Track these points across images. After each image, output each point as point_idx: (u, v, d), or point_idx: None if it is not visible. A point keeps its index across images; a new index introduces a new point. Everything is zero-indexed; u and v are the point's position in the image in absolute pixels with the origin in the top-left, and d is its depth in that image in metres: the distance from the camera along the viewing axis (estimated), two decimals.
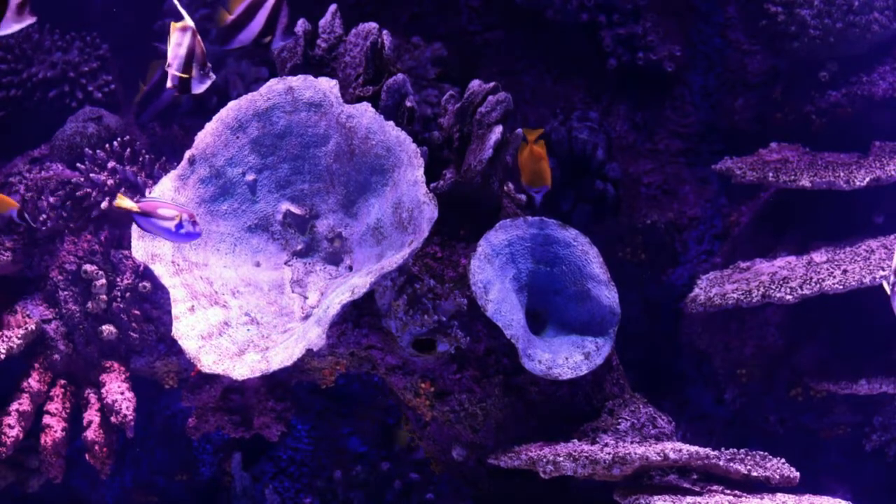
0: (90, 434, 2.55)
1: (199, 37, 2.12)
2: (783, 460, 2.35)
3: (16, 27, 1.97)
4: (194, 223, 2.18)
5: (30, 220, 2.55)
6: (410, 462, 2.79)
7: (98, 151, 2.67)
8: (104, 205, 2.61)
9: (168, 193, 2.38)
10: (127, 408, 2.54)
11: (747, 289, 2.61)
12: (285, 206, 2.43)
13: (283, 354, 2.19)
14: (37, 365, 2.63)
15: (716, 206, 3.14)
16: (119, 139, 2.70)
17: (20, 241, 2.65)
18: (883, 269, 2.47)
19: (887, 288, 2.13)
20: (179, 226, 2.16)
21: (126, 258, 2.60)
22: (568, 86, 3.19)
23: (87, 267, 2.59)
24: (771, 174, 2.76)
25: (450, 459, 2.49)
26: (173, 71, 2.11)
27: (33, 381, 2.60)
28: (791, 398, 2.87)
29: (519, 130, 2.47)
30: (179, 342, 2.26)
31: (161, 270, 2.32)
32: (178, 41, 2.10)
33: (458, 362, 2.40)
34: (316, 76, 2.42)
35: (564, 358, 2.38)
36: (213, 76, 2.16)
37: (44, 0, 2.98)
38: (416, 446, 2.83)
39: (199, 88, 2.15)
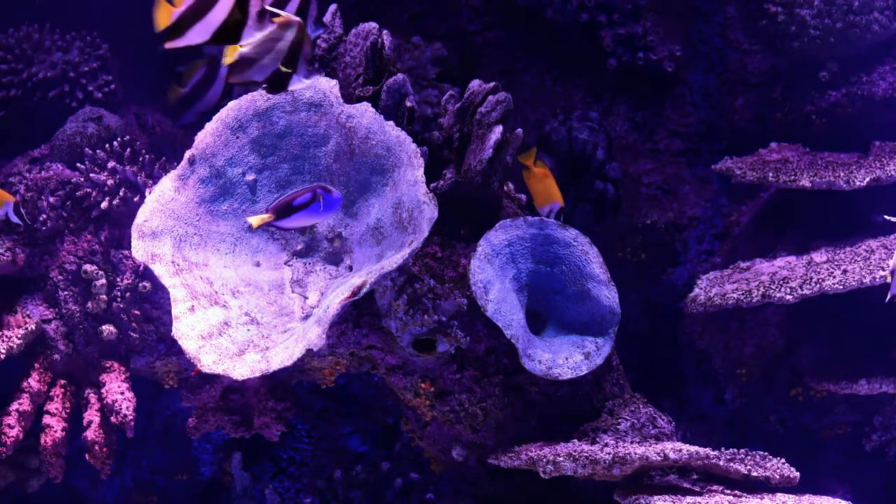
0: (90, 434, 2.55)
1: (306, 32, 1.99)
2: (783, 460, 2.35)
3: (258, 35, 1.92)
4: (328, 191, 2.11)
5: (25, 217, 2.55)
6: (410, 462, 2.79)
7: (98, 151, 2.67)
8: (104, 205, 2.61)
9: (168, 193, 2.38)
10: (127, 408, 2.54)
11: (747, 289, 2.61)
12: None
13: (283, 354, 2.19)
14: (37, 365, 2.63)
15: (716, 205, 3.14)
16: (119, 139, 2.70)
17: (21, 241, 2.65)
18: (883, 269, 2.47)
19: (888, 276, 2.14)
20: (318, 205, 2.12)
21: (126, 258, 2.60)
22: (568, 85, 3.19)
23: (87, 267, 2.59)
24: (771, 174, 2.76)
25: (450, 459, 2.49)
26: (279, 66, 1.97)
27: (33, 381, 2.60)
28: (791, 398, 2.87)
29: (519, 130, 2.47)
30: (179, 342, 2.26)
31: (161, 270, 2.32)
32: (277, 36, 1.96)
33: (458, 362, 2.40)
34: None
35: (564, 358, 2.38)
36: (321, 72, 2.07)
37: (44, 0, 2.99)
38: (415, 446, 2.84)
39: (299, 84, 2.03)
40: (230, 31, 1.87)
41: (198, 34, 1.86)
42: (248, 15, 1.85)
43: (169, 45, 1.87)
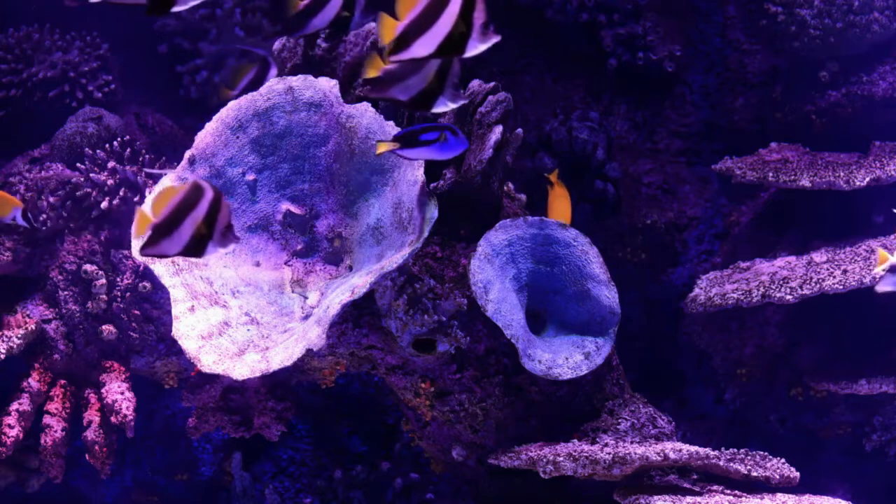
0: (90, 434, 2.55)
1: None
2: (783, 460, 2.35)
3: (482, 47, 1.89)
4: (454, 133, 2.07)
5: (33, 221, 2.55)
6: (410, 462, 2.79)
7: (98, 151, 2.67)
8: (104, 205, 2.61)
9: None
10: (127, 408, 2.54)
11: (747, 289, 2.61)
12: (285, 205, 2.43)
13: (283, 354, 2.19)
14: (37, 365, 2.63)
15: (716, 205, 3.14)
16: (119, 139, 2.70)
17: (21, 241, 2.65)
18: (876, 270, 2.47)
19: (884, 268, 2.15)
20: (441, 144, 2.07)
21: (126, 258, 2.60)
22: (568, 85, 3.19)
23: (87, 267, 2.59)
24: (771, 174, 2.76)
25: (450, 459, 2.49)
26: (425, 86, 1.91)
27: (33, 381, 2.60)
28: (791, 398, 2.87)
29: (519, 130, 2.47)
30: (179, 342, 2.26)
31: (161, 270, 2.32)
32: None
33: (458, 362, 2.40)
34: (316, 76, 2.42)
35: (564, 358, 2.38)
36: (465, 98, 2.00)
37: (44, 0, 2.99)
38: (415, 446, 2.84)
39: (443, 107, 1.97)
40: (455, 44, 1.82)
41: (422, 47, 1.82)
42: (472, 27, 1.83)
43: (393, 58, 1.83)
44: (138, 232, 1.92)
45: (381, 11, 1.82)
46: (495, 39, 1.83)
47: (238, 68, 2.67)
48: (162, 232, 1.89)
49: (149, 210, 1.89)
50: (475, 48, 1.83)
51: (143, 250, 1.91)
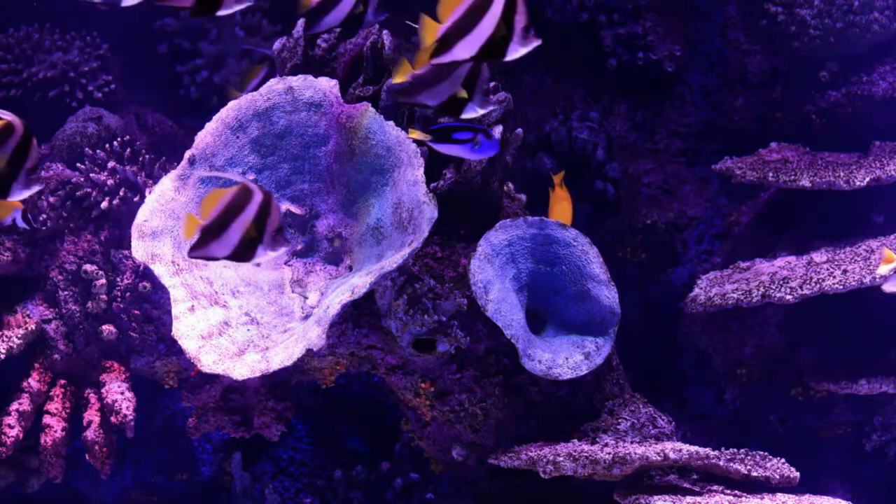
0: (90, 434, 2.55)
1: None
2: (783, 460, 2.35)
3: (522, 50, 1.88)
4: (488, 136, 2.08)
5: (33, 222, 2.55)
6: (410, 462, 2.79)
7: (98, 151, 2.67)
8: (104, 205, 2.61)
9: (168, 193, 2.37)
10: (127, 408, 2.54)
11: (747, 289, 2.61)
12: (285, 205, 2.43)
13: (283, 354, 2.19)
14: (37, 365, 2.63)
15: (716, 205, 3.14)
16: (119, 139, 2.70)
17: (21, 241, 2.65)
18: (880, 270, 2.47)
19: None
20: (471, 146, 2.09)
21: (126, 258, 2.60)
22: (568, 85, 3.19)
23: (87, 267, 2.59)
24: (771, 174, 2.76)
25: (450, 459, 2.49)
26: (455, 91, 1.90)
27: (33, 381, 2.60)
28: (791, 398, 2.87)
29: (519, 130, 2.48)
30: (179, 342, 2.26)
31: (161, 270, 2.32)
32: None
33: (458, 362, 2.40)
34: (316, 76, 2.42)
35: (564, 358, 2.38)
36: (494, 105, 1.97)
37: (44, 0, 2.99)
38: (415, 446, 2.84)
39: (472, 113, 1.97)
40: (496, 47, 1.81)
41: (464, 50, 1.81)
42: (513, 30, 1.82)
43: (435, 61, 1.82)
44: (186, 235, 1.90)
45: (421, 13, 1.82)
46: (536, 43, 1.83)
47: (248, 69, 2.67)
48: (210, 234, 1.87)
49: (196, 212, 1.88)
50: (516, 51, 1.83)
51: (192, 253, 1.88)
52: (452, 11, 1.79)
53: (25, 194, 1.94)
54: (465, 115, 2.00)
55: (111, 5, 2.07)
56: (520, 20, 1.80)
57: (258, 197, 1.86)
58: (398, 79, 1.94)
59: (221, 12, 1.91)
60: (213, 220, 1.87)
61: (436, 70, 1.93)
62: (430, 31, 1.81)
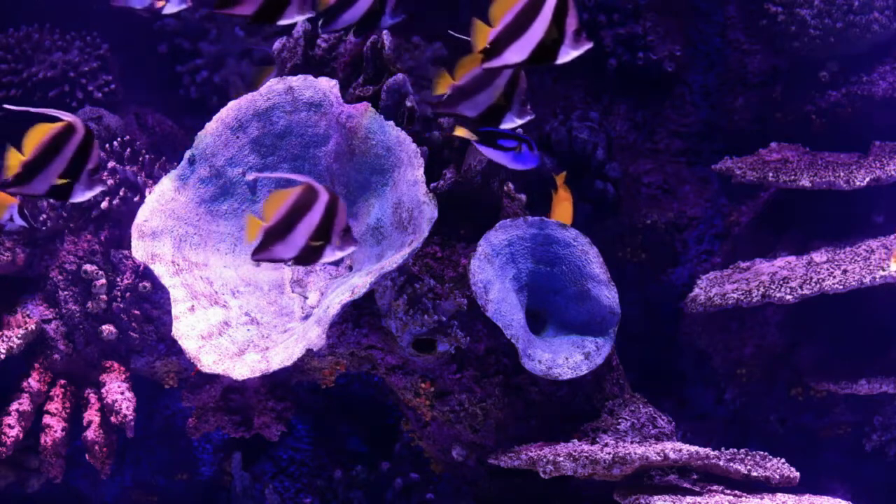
0: (90, 434, 2.55)
1: (522, 70, 1.92)
2: (783, 460, 2.35)
3: (574, 54, 1.86)
4: (531, 147, 2.10)
5: (32, 220, 2.55)
6: (410, 462, 2.79)
7: None
8: (104, 205, 2.61)
9: (168, 193, 2.37)
10: (127, 408, 2.54)
11: (747, 289, 2.61)
12: None
13: (283, 354, 2.19)
14: (37, 365, 2.63)
15: (716, 205, 3.14)
16: (119, 139, 2.70)
17: (21, 241, 2.65)
18: (883, 269, 2.47)
19: None
20: (514, 154, 2.11)
21: (126, 258, 2.60)
22: (568, 85, 3.19)
23: (87, 267, 2.59)
24: (771, 174, 2.76)
25: (450, 459, 2.49)
26: (493, 102, 1.91)
27: (33, 381, 2.60)
28: (791, 398, 2.87)
29: (519, 130, 2.47)
30: (179, 342, 2.26)
31: (161, 270, 2.32)
32: (494, 71, 1.90)
33: (458, 362, 2.40)
34: (316, 76, 2.42)
35: (564, 358, 2.38)
36: (532, 113, 1.97)
37: (44, 0, 2.99)
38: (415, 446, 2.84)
39: (511, 123, 1.98)
40: (548, 51, 1.81)
41: (515, 54, 1.81)
42: (564, 34, 1.82)
43: (486, 65, 1.83)
44: (248, 238, 1.87)
45: (474, 17, 1.82)
46: (587, 46, 1.83)
47: (260, 71, 2.67)
48: (275, 236, 1.84)
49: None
50: (567, 55, 1.83)
51: (255, 255, 1.86)
52: (503, 15, 1.79)
53: (88, 195, 1.93)
54: (505, 126, 2.00)
55: (153, 13, 2.07)
56: (571, 23, 1.80)
57: (324, 197, 1.84)
58: (439, 90, 1.94)
59: (282, 21, 1.92)
60: (277, 221, 1.84)
61: (475, 81, 1.93)
62: (482, 35, 1.81)
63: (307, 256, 1.87)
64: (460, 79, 1.94)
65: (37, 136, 1.88)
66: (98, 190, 1.94)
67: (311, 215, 1.84)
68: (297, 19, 1.93)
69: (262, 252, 1.85)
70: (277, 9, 1.95)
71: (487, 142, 2.12)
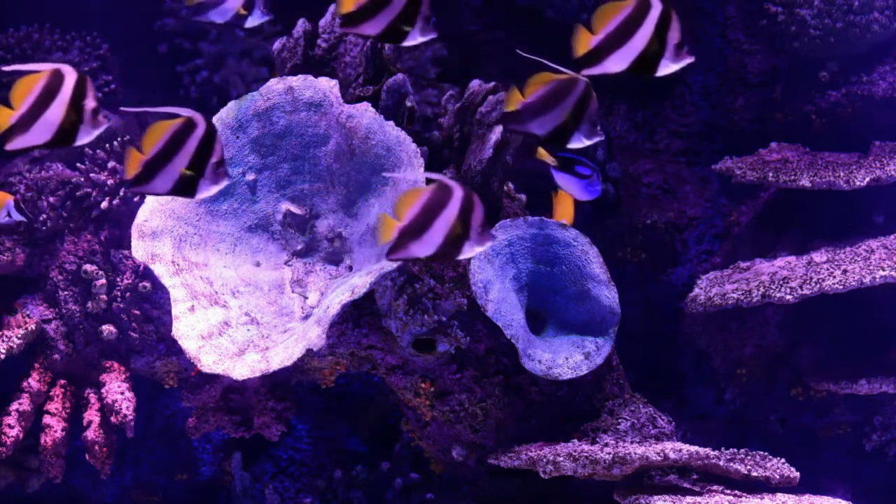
0: (90, 434, 2.55)
1: (592, 89, 1.92)
2: (783, 460, 2.35)
3: (674, 68, 1.85)
4: (601, 178, 2.19)
5: (32, 219, 2.55)
6: (410, 462, 2.79)
7: (98, 151, 2.67)
8: (104, 205, 2.61)
9: None
10: (127, 408, 2.54)
11: (747, 289, 2.61)
12: (285, 206, 2.43)
13: (283, 354, 2.19)
14: (37, 365, 2.63)
15: (716, 205, 3.14)
16: (119, 139, 2.70)
17: (21, 241, 2.65)
18: (883, 269, 2.47)
19: None
20: (585, 183, 2.20)
21: (126, 258, 2.60)
22: None
23: (87, 267, 2.59)
24: (771, 174, 2.76)
25: (450, 459, 2.49)
26: (561, 121, 1.91)
27: (33, 381, 2.60)
28: (791, 398, 2.87)
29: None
30: (179, 342, 2.26)
31: (161, 270, 2.32)
32: (564, 91, 1.91)
33: (458, 362, 2.40)
34: (316, 76, 2.42)
35: (564, 358, 2.38)
36: (602, 134, 1.97)
37: (44, 0, 2.99)
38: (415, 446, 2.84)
39: (578, 143, 1.97)
40: (648, 62, 1.81)
41: (615, 63, 1.81)
42: (666, 46, 1.82)
43: (586, 72, 1.83)
44: (382, 238, 1.84)
45: (578, 24, 1.83)
46: (689, 60, 1.83)
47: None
48: (410, 235, 1.82)
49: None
50: (667, 67, 1.83)
51: (391, 255, 1.83)
52: (606, 23, 1.80)
53: (214, 189, 1.88)
54: (571, 145, 1.99)
55: (232, 25, 2.04)
56: (673, 36, 1.81)
57: (459, 193, 1.82)
58: (510, 107, 1.94)
59: (407, 43, 1.92)
60: (412, 220, 1.82)
61: (544, 100, 1.93)
62: (584, 42, 1.82)
63: (446, 252, 1.85)
64: (529, 96, 1.94)
65: (156, 134, 1.84)
66: (223, 184, 1.89)
67: (447, 211, 1.83)
68: (419, 41, 1.93)
69: (399, 251, 1.83)
70: (401, 32, 1.95)
71: (564, 167, 2.16)
